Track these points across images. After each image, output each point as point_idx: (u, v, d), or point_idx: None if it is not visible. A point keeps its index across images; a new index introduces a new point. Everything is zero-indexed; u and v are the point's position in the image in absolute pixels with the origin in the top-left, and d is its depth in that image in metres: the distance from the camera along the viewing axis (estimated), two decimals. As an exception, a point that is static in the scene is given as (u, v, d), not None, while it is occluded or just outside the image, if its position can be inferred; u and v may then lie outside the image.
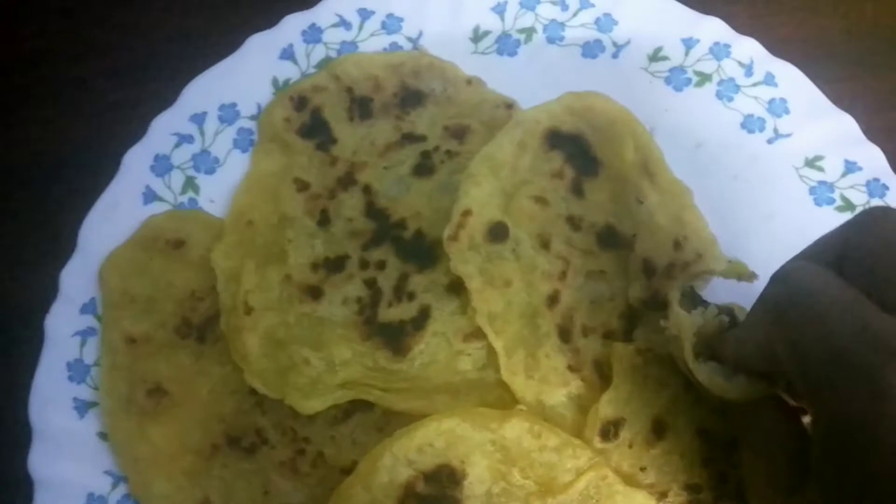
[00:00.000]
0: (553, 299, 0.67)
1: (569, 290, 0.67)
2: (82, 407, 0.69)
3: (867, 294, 0.45)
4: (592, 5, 0.79)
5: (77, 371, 0.69)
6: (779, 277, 0.51)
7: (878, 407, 0.41)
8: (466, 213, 0.68)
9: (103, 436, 0.68)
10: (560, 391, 0.65)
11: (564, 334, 0.66)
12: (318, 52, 0.78)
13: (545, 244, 0.68)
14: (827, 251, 0.51)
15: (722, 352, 0.57)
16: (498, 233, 0.68)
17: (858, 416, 0.42)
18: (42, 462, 0.67)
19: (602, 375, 0.65)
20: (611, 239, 0.68)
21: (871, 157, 0.74)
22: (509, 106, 0.76)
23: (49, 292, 0.70)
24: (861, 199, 0.73)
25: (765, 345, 0.50)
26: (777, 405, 0.55)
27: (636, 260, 0.67)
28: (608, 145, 0.70)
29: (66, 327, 0.70)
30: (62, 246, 0.71)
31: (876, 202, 0.73)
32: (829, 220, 0.73)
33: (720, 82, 0.78)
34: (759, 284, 0.55)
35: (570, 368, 0.65)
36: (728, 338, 0.57)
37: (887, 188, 0.73)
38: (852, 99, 0.78)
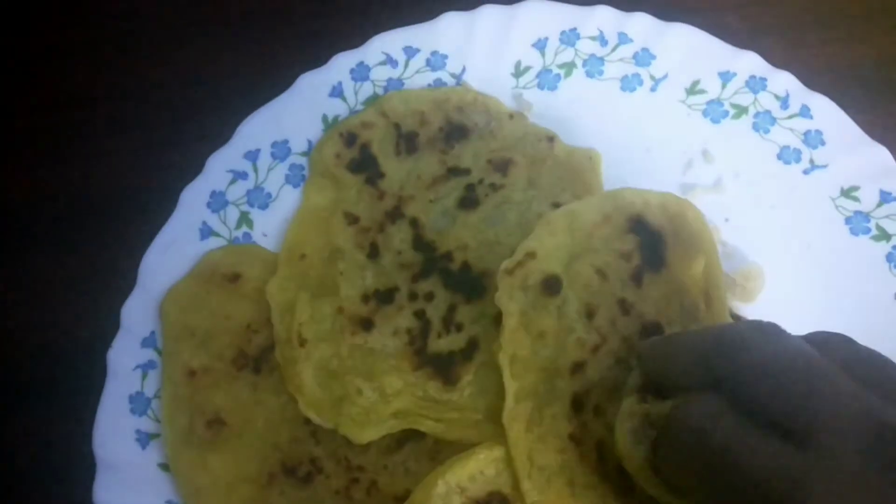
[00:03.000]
0: (578, 367, 0.67)
1: (596, 366, 0.67)
2: (144, 438, 0.71)
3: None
4: (631, 41, 0.81)
5: (138, 403, 0.72)
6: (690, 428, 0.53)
7: None
8: (531, 254, 0.69)
9: (164, 466, 0.70)
10: (553, 456, 0.65)
11: (577, 404, 0.66)
12: (366, 90, 0.80)
13: (590, 314, 0.68)
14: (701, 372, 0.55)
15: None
16: (551, 285, 0.69)
17: None
18: (106, 492, 0.69)
19: (601, 459, 0.65)
20: (654, 335, 0.68)
21: (906, 187, 0.76)
22: (551, 139, 0.78)
23: (111, 327, 0.72)
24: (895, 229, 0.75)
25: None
26: None
27: None
28: (680, 254, 0.71)
29: (127, 361, 0.72)
30: (123, 281, 0.74)
31: (910, 231, 0.75)
32: (865, 249, 0.75)
33: (756, 115, 0.79)
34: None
35: (572, 438, 0.66)
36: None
37: (922, 218, 0.75)
38: (886, 129, 0.80)
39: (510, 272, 0.69)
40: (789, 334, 0.54)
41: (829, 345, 0.53)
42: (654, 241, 0.70)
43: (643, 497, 0.62)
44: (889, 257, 0.75)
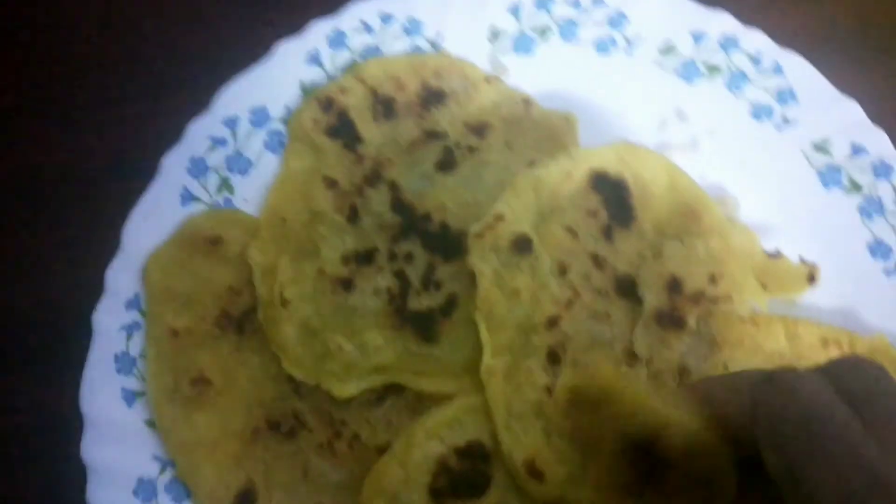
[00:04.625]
0: (553, 322, 0.68)
1: (571, 320, 0.68)
2: (130, 396, 0.72)
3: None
4: (605, 4, 0.82)
5: (124, 363, 0.73)
6: (775, 381, 0.51)
7: None
8: (499, 217, 0.71)
9: (151, 423, 0.72)
10: (530, 407, 0.66)
11: (553, 357, 0.67)
12: (344, 56, 0.81)
13: (563, 271, 0.70)
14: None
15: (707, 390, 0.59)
16: (522, 245, 0.70)
17: None
18: (94, 448, 0.70)
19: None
20: (628, 289, 0.70)
21: (877, 140, 0.77)
22: (527, 102, 0.80)
23: (96, 290, 0.74)
24: (867, 180, 0.76)
25: (749, 425, 0.51)
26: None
27: (661, 274, 0.70)
28: (646, 192, 0.73)
29: (112, 322, 0.74)
30: (107, 247, 0.75)
31: (882, 182, 0.76)
32: (838, 201, 0.76)
33: (730, 73, 0.80)
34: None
35: (548, 390, 0.67)
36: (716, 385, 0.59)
37: (892, 169, 0.76)
38: (858, 85, 0.80)
39: (480, 235, 0.70)
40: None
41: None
42: (618, 194, 0.72)
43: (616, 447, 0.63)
44: (861, 209, 0.76)
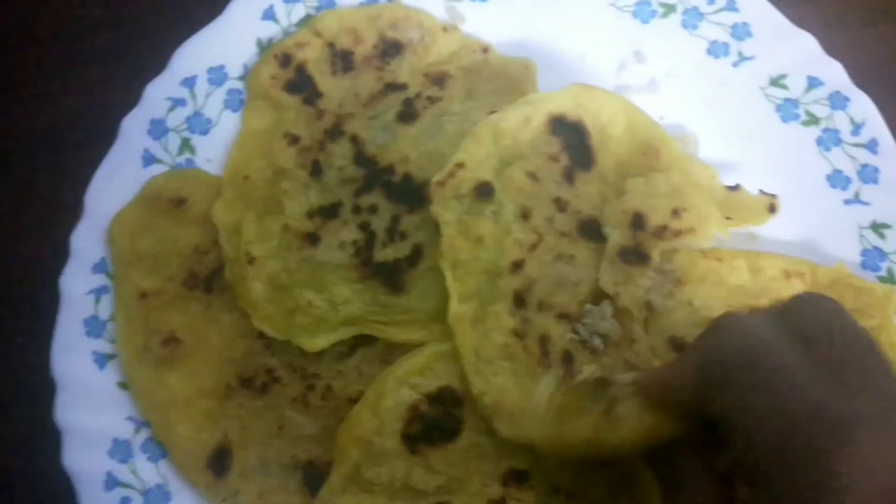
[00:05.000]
0: (517, 266, 0.69)
1: (535, 263, 0.69)
2: (101, 359, 0.73)
3: None
4: (557, -52, 0.82)
5: (94, 326, 0.73)
6: (720, 325, 0.54)
7: (827, 494, 0.44)
8: (460, 165, 0.71)
9: (123, 385, 0.72)
10: (498, 350, 0.67)
11: (519, 301, 0.68)
12: (299, 11, 0.81)
13: (525, 215, 0.70)
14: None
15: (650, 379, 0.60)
16: (484, 191, 0.71)
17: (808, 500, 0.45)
18: (67, 412, 0.70)
19: (544, 352, 0.67)
20: (592, 230, 0.71)
21: (833, 72, 0.78)
22: (485, 50, 0.80)
23: (63, 255, 0.74)
24: (824, 112, 0.77)
25: (698, 394, 0.52)
26: (699, 459, 0.56)
27: (625, 210, 0.70)
28: (605, 133, 0.73)
29: (80, 286, 0.74)
30: (72, 213, 0.75)
31: (839, 114, 0.77)
32: (796, 134, 0.77)
33: (684, 11, 0.81)
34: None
35: (515, 333, 0.68)
36: (663, 371, 0.60)
37: (848, 100, 0.77)
38: (812, 18, 0.81)
39: (442, 184, 0.71)
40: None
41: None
42: (578, 136, 0.73)
43: (586, 386, 0.65)
44: (819, 141, 0.77)
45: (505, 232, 0.70)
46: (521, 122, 0.72)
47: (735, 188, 0.74)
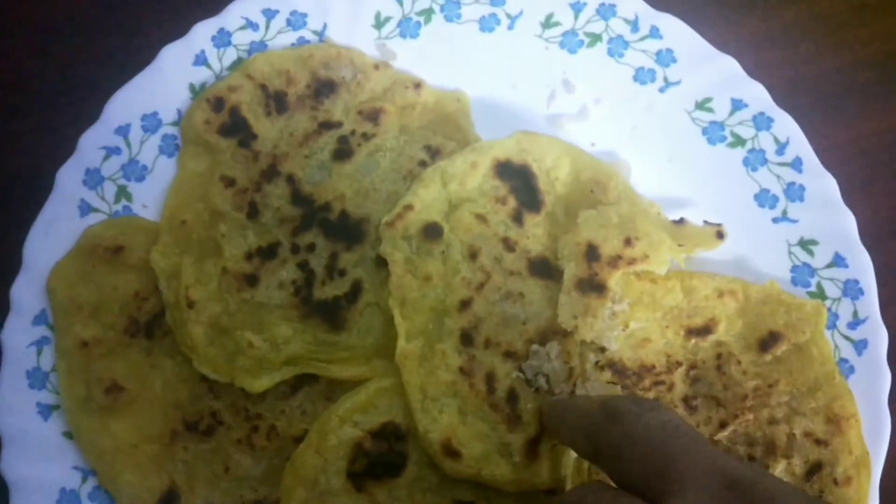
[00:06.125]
0: (465, 304, 0.71)
1: (483, 302, 0.71)
2: (45, 410, 0.73)
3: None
4: (483, -18, 0.84)
5: (36, 378, 0.73)
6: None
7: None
8: (408, 207, 0.73)
9: (69, 435, 0.73)
10: (445, 388, 0.69)
11: (466, 339, 0.70)
12: (230, 55, 0.82)
13: (474, 255, 0.72)
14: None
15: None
16: (432, 232, 0.72)
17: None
18: (13, 464, 0.71)
19: (490, 390, 0.69)
20: (542, 268, 0.73)
21: (756, 93, 0.80)
22: (418, 86, 0.81)
23: (3, 309, 0.74)
24: (749, 133, 0.79)
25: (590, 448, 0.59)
26: None
27: (578, 243, 0.72)
28: (550, 176, 0.76)
29: (21, 339, 0.74)
30: (9, 266, 0.75)
31: (763, 134, 0.79)
32: (723, 156, 0.80)
33: (610, 40, 0.82)
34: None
35: (462, 371, 0.69)
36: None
37: (772, 120, 0.79)
38: (734, 42, 0.83)
39: (391, 224, 0.72)
40: (663, 406, 0.58)
41: None
42: (524, 179, 0.75)
43: (530, 427, 0.67)
44: (745, 161, 0.79)
45: (453, 271, 0.72)
46: (468, 168, 0.74)
47: (680, 222, 0.76)
